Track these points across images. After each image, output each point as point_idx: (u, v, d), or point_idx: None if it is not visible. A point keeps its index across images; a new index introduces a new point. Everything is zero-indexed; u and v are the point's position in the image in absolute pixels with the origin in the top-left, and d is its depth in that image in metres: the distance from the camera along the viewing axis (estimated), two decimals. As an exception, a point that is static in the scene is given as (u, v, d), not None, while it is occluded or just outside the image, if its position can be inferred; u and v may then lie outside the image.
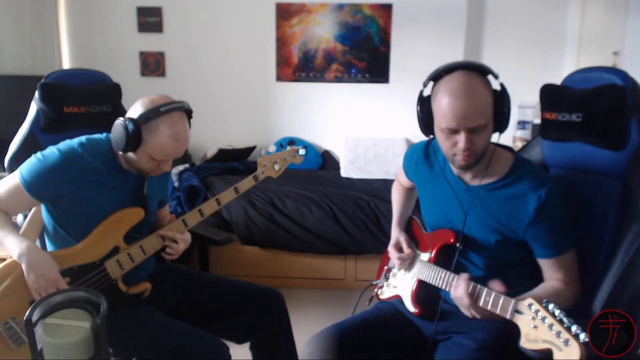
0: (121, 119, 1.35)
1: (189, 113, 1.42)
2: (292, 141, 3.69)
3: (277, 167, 1.69)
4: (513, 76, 3.60)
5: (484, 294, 1.13)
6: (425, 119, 1.28)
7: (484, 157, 1.26)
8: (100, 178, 1.41)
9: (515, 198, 1.25)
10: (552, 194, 1.23)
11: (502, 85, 1.23)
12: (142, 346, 1.39)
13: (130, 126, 1.31)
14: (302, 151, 1.74)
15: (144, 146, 1.35)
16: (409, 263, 1.48)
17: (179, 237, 1.51)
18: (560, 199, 1.25)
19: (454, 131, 1.20)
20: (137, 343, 1.40)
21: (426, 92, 1.28)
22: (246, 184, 1.63)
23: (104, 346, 1.01)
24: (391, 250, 1.51)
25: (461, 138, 1.19)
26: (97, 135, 1.47)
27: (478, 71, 1.21)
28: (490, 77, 1.24)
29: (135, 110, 1.36)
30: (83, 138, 1.44)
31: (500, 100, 1.22)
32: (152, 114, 1.32)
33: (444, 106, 1.19)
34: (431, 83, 1.26)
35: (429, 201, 1.46)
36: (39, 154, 1.37)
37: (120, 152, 1.38)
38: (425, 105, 1.27)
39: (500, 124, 1.23)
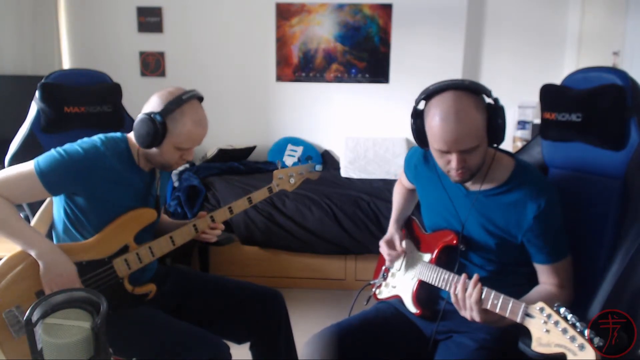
0: (144, 114, 1.35)
1: (201, 100, 1.47)
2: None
3: (292, 180, 1.70)
4: (513, 76, 3.67)
5: (491, 296, 1.12)
6: (420, 134, 1.27)
7: (483, 165, 1.25)
8: (117, 177, 1.41)
9: (515, 205, 1.25)
10: (552, 202, 1.23)
11: (495, 100, 1.21)
12: (142, 346, 1.39)
13: (158, 118, 1.33)
14: (318, 167, 1.76)
15: (170, 137, 1.37)
16: (401, 261, 1.48)
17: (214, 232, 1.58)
18: (559, 207, 1.25)
19: (446, 152, 1.20)
20: (137, 343, 1.40)
21: (420, 106, 1.26)
22: (260, 194, 1.64)
23: (104, 346, 1.01)
24: (382, 245, 1.51)
25: (453, 158, 1.19)
26: (113, 134, 1.47)
27: (469, 90, 1.18)
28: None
29: (154, 104, 1.37)
30: (102, 136, 1.43)
31: (494, 115, 1.19)
32: (175, 104, 1.36)
33: (434, 129, 1.18)
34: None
35: (430, 204, 1.46)
36: (60, 150, 1.36)
37: (146, 148, 1.38)
38: (419, 121, 1.26)
39: (496, 137, 1.21)
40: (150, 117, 1.34)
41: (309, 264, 2.95)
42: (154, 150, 1.40)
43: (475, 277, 1.17)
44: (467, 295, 1.16)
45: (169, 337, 1.39)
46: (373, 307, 1.53)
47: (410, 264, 1.48)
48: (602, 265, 1.24)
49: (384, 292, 1.56)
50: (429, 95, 1.22)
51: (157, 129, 1.33)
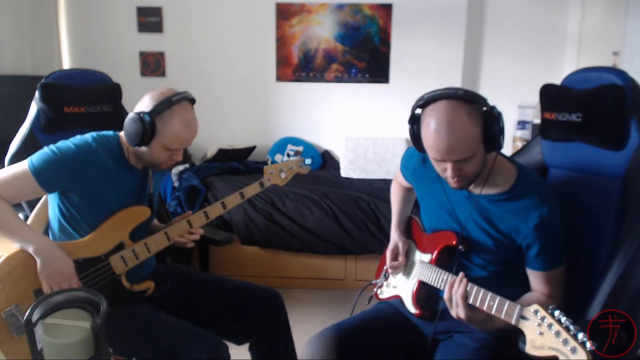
0: (134, 113, 1.37)
1: (193, 102, 1.46)
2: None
3: (283, 175, 1.71)
4: (513, 76, 3.68)
5: (487, 297, 1.12)
6: (418, 139, 1.26)
7: (483, 170, 1.25)
8: (110, 173, 1.43)
9: (517, 212, 1.25)
10: (553, 212, 1.23)
11: (492, 107, 1.18)
12: (142, 346, 1.40)
13: (147, 118, 1.35)
14: (308, 161, 1.78)
15: (158, 137, 1.38)
16: (403, 268, 1.49)
17: (192, 237, 1.56)
18: (559, 217, 1.25)
19: (441, 160, 1.20)
20: (137, 343, 1.40)
21: (418, 111, 1.25)
22: (252, 190, 1.64)
23: (104, 346, 1.01)
24: (388, 254, 1.52)
25: (449, 167, 1.19)
26: (105, 132, 1.49)
27: (464, 100, 1.16)
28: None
29: (145, 104, 1.39)
30: (94, 134, 1.45)
31: (490, 123, 1.17)
32: (165, 105, 1.37)
33: (428, 138, 1.18)
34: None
35: (429, 205, 1.46)
36: (53, 147, 1.38)
37: (135, 147, 1.40)
38: (415, 126, 1.26)
39: (493, 145, 1.19)
40: (139, 116, 1.35)
41: (309, 264, 2.95)
42: (143, 149, 1.42)
43: (460, 274, 1.19)
44: (453, 292, 1.18)
45: (168, 337, 1.39)
46: (373, 307, 1.53)
47: (411, 265, 1.48)
48: (602, 265, 1.24)
49: (385, 292, 1.56)
50: (424, 103, 1.21)
51: (145, 128, 1.35)
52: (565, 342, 0.92)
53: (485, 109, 1.18)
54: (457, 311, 1.18)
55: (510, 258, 1.31)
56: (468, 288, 1.16)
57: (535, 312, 1.00)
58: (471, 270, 1.33)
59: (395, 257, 1.51)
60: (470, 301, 1.16)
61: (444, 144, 1.15)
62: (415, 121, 1.26)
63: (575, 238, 1.31)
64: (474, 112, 1.17)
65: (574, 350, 0.91)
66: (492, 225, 1.29)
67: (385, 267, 1.59)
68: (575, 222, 1.32)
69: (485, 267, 1.33)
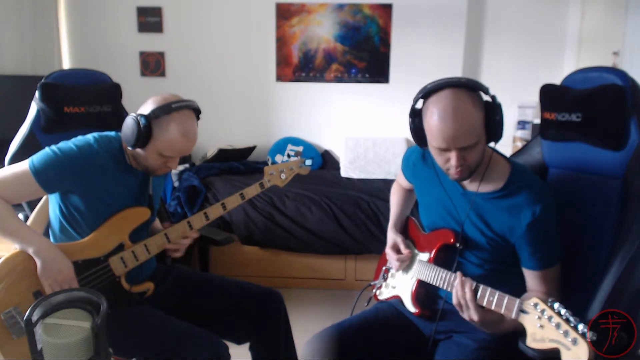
0: (133, 114, 1.37)
1: (197, 112, 1.45)
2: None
3: (283, 176, 1.71)
4: (513, 76, 3.68)
5: (487, 293, 1.13)
6: (418, 133, 1.27)
7: (481, 164, 1.26)
8: (111, 175, 1.43)
9: (511, 210, 1.25)
10: (547, 210, 1.23)
11: (493, 97, 1.21)
12: (142, 346, 1.40)
13: (142, 121, 1.34)
14: (308, 162, 1.78)
15: (154, 142, 1.37)
16: (407, 264, 1.48)
17: (185, 242, 1.55)
18: (553, 215, 1.25)
19: (445, 149, 1.20)
20: (137, 343, 1.40)
21: (418, 105, 1.27)
22: (252, 190, 1.64)
23: (104, 346, 1.01)
24: (389, 252, 1.51)
25: (453, 156, 1.19)
26: (108, 133, 1.49)
27: (467, 88, 1.18)
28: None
29: (146, 107, 1.38)
30: (95, 134, 1.45)
31: (492, 112, 1.19)
32: (164, 110, 1.36)
33: (432, 127, 1.19)
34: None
35: (427, 203, 1.46)
36: (54, 148, 1.37)
37: (130, 148, 1.39)
38: (417, 120, 1.26)
39: (494, 135, 1.21)
40: (136, 118, 1.35)
41: (309, 264, 2.95)
42: (139, 151, 1.41)
43: (459, 276, 1.19)
44: (460, 295, 1.18)
45: (168, 336, 1.39)
46: (373, 307, 1.53)
47: (409, 264, 1.48)
48: (602, 265, 1.24)
49: (384, 293, 1.56)
50: (426, 94, 1.22)
51: (140, 131, 1.34)
52: (565, 333, 0.93)
53: (487, 98, 1.20)
54: (469, 314, 1.17)
55: (506, 257, 1.32)
56: (471, 289, 1.16)
57: (535, 305, 1.00)
58: (468, 268, 1.34)
59: (397, 252, 1.49)
60: None
61: (450, 130, 1.16)
62: (416, 114, 1.26)
63: (575, 238, 1.31)
64: (477, 99, 1.19)
65: (574, 341, 0.91)
66: (486, 224, 1.29)
67: (383, 268, 1.59)
68: (575, 222, 1.32)
69: (482, 265, 1.34)
